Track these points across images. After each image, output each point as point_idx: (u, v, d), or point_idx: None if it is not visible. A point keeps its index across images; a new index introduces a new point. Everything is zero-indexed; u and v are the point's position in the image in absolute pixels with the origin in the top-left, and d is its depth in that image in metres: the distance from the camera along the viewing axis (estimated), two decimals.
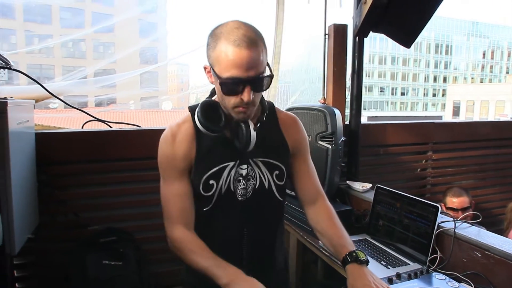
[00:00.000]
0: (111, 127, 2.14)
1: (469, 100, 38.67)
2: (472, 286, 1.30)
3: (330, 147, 1.89)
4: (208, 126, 1.04)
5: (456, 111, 39.51)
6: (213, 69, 1.00)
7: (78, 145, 1.92)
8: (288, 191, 1.26)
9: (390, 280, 1.29)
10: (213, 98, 1.13)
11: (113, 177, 1.97)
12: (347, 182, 2.19)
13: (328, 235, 1.17)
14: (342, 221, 1.80)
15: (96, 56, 27.05)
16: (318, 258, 2.07)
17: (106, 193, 1.98)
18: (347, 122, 2.35)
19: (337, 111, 1.95)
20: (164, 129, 1.14)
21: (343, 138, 2.00)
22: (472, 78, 52.48)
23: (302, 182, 1.24)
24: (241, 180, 1.12)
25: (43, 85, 1.93)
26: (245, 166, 1.12)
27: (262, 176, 1.14)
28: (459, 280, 1.32)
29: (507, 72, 52.10)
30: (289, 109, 2.05)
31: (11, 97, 1.46)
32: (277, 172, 1.16)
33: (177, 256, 1.10)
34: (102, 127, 2.15)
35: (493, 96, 36.75)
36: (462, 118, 34.57)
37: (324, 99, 2.31)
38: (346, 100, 2.37)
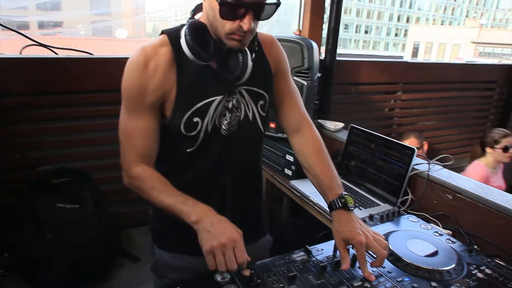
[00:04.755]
0: (56, 53, 1.85)
1: (428, 42, 39.46)
2: (440, 226, 1.32)
3: (305, 83, 1.77)
4: (199, 52, 0.88)
5: (415, 52, 40.35)
6: None
7: (18, 74, 1.64)
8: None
9: (363, 221, 1.27)
10: (197, 18, 0.94)
11: (62, 112, 1.75)
12: (318, 120, 2.12)
13: (314, 173, 1.07)
14: None
15: None
16: (285, 195, 2.06)
17: (55, 130, 1.76)
18: (322, 58, 2.21)
19: (314, 44, 1.80)
20: (123, 58, 0.94)
21: (318, 75, 1.88)
22: (434, 19, 53.00)
23: (285, 106, 1.12)
24: (227, 114, 0.99)
25: None
26: (231, 98, 0.99)
27: (246, 107, 1.02)
28: (427, 221, 1.34)
29: (467, 16, 53.04)
30: None
31: None
32: (261, 102, 1.04)
33: (137, 195, 0.99)
34: (46, 53, 1.86)
35: (451, 39, 37.69)
36: (420, 59, 35.43)
37: (300, 31, 2.13)
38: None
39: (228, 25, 0.85)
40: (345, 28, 48.65)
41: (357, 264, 0.96)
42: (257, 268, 0.94)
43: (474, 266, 1.02)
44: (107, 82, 1.73)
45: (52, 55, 1.83)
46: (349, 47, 47.99)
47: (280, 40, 1.81)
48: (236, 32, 0.86)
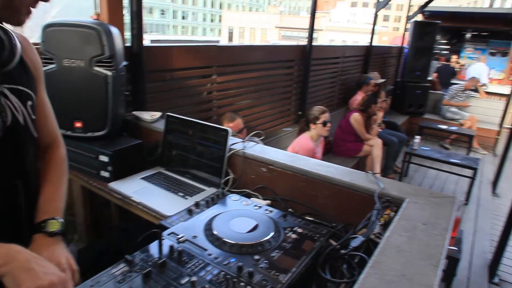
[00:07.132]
0: None
1: (241, 27, 43.00)
2: (261, 197, 1.42)
3: (110, 73, 1.58)
4: None
5: (230, 37, 43.35)
6: None
7: None
8: None
9: (190, 211, 1.24)
10: None
11: None
12: (133, 112, 1.96)
13: (40, 197, 0.94)
14: (133, 156, 1.64)
15: None
16: (110, 201, 1.86)
17: None
18: (128, 44, 2.03)
19: (114, 30, 1.62)
20: None
21: (124, 63, 1.72)
22: (243, 6, 57.83)
23: (40, 119, 0.96)
24: None
25: None
26: None
27: (14, 109, 0.83)
28: (249, 196, 1.41)
29: (269, 3, 60.03)
30: (48, 26, 1.57)
31: None
32: (30, 103, 0.88)
33: None
34: None
35: (259, 24, 42.11)
36: (236, 43, 38.26)
37: (98, 15, 1.89)
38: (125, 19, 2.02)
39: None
40: (162, 13, 47.96)
41: (185, 259, 0.92)
42: None
43: (289, 229, 1.12)
44: None
45: None
46: (168, 33, 47.66)
47: (73, 25, 1.58)
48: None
